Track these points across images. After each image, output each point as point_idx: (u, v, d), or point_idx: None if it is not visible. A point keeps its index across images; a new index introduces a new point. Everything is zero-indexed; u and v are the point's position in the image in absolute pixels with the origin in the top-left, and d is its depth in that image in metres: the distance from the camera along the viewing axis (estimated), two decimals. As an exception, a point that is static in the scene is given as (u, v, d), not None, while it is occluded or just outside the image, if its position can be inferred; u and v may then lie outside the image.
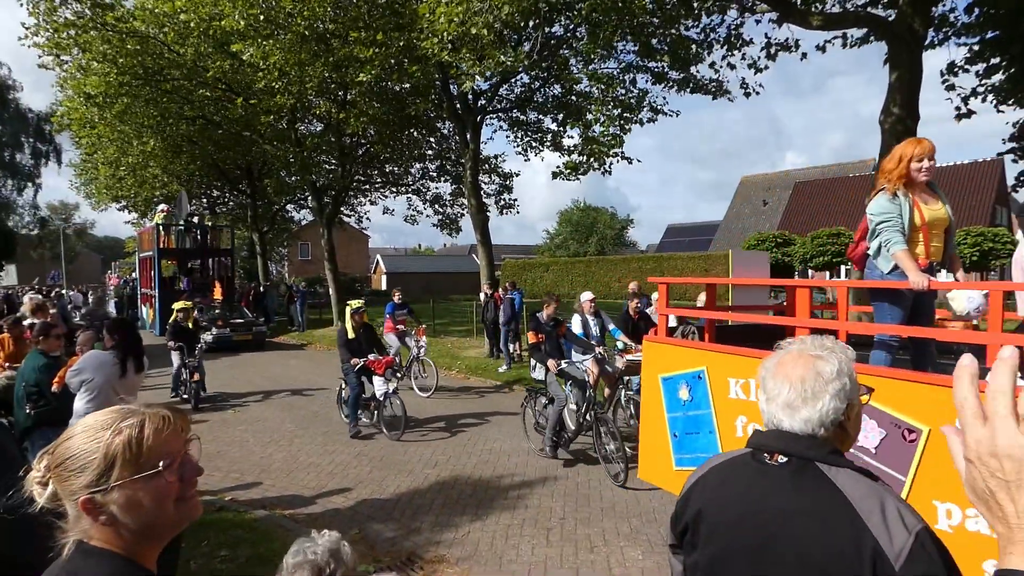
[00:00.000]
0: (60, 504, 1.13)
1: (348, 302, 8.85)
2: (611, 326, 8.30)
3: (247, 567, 4.42)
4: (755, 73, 11.79)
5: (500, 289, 13.93)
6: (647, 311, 10.81)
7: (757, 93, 12.66)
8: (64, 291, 30.53)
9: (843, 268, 30.32)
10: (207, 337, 16.43)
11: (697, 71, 12.67)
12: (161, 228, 21.54)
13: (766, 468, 1.35)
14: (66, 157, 45.52)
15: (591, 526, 5.26)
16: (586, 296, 8.76)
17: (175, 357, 10.49)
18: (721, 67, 12.13)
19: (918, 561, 1.16)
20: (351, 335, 8.31)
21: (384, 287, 52.37)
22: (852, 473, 1.29)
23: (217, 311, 18.90)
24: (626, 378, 7.69)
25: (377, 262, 58.63)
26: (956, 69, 10.91)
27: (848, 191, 34.72)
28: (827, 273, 30.80)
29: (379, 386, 8.10)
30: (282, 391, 11.48)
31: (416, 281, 52.03)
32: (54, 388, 4.97)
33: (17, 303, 15.76)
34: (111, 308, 23.49)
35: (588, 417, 6.68)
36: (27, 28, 15.35)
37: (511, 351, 13.25)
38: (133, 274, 39.62)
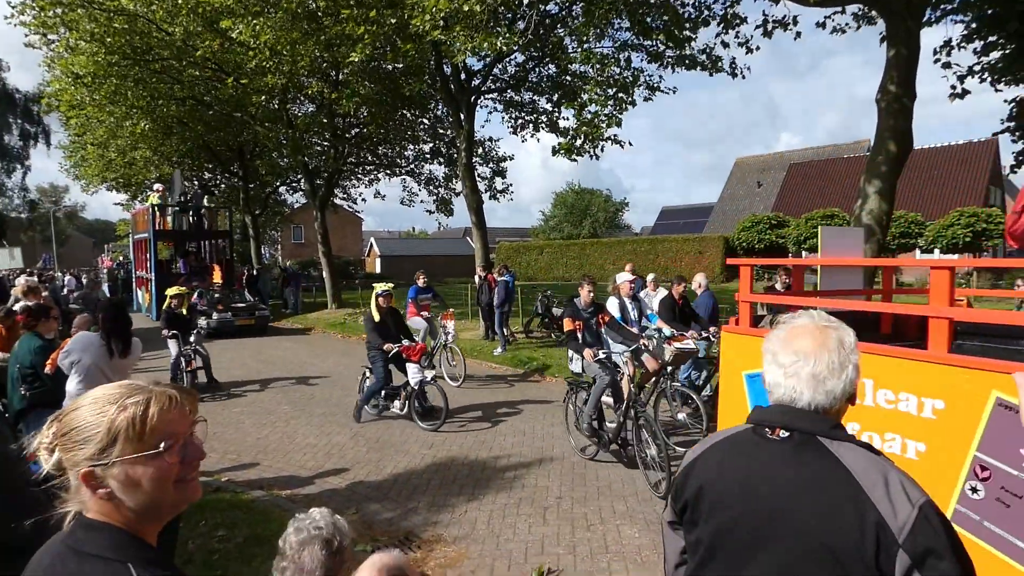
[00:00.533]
0: (63, 473, 1.12)
1: (374, 285, 8.25)
2: (648, 311, 7.71)
3: (245, 547, 4.44)
4: (746, 53, 11.71)
5: (494, 272, 13.88)
6: (640, 295, 10.86)
7: (743, 76, 12.64)
8: (57, 274, 30.30)
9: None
10: (207, 323, 16.09)
11: (692, 48, 12.57)
12: (156, 209, 20.70)
13: (767, 443, 1.35)
14: (55, 139, 45.05)
15: (587, 505, 5.30)
16: (625, 276, 7.99)
17: (172, 346, 9.95)
18: (714, 45, 12.04)
19: (921, 534, 1.16)
20: (378, 319, 7.78)
21: (378, 270, 52.24)
22: (854, 447, 1.29)
23: (217, 295, 18.31)
24: (669, 368, 6.97)
25: (371, 245, 58.42)
26: (952, 47, 10.86)
27: (843, 172, 34.71)
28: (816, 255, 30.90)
29: (414, 374, 7.58)
30: (288, 378, 11.09)
31: (410, 264, 51.75)
32: (47, 370, 4.94)
33: (9, 287, 15.61)
34: (105, 291, 23.14)
35: (629, 416, 5.97)
36: (13, 7, 15.04)
37: (505, 334, 13.27)
38: (123, 257, 39.37)
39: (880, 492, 1.21)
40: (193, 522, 4.77)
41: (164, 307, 10.32)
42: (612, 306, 7.51)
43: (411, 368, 7.59)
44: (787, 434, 1.33)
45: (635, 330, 7.09)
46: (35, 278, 14.01)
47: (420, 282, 11.29)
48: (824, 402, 1.32)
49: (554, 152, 11.72)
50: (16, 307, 7.99)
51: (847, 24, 11.22)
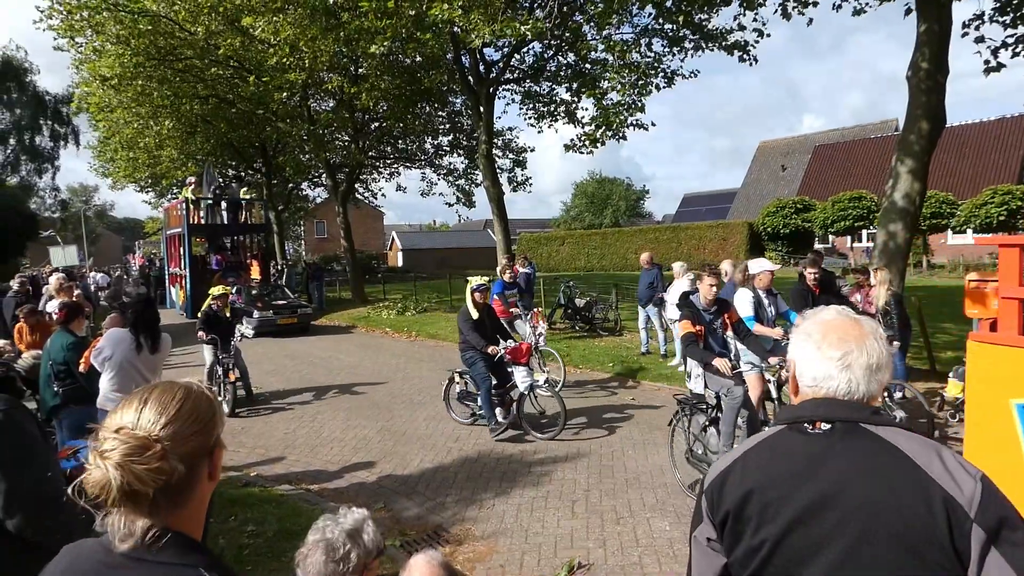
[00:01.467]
0: (121, 478, 1.03)
1: (468, 278, 7.59)
2: (785, 307, 6.47)
3: (275, 542, 4.48)
4: (759, 37, 11.44)
5: (516, 263, 13.82)
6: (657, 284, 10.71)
7: (751, 63, 12.38)
8: (89, 272, 30.92)
9: (864, 233, 29.78)
10: (247, 329, 14.20)
11: (712, 27, 12.33)
12: (190, 203, 19.97)
13: (811, 438, 1.32)
14: (84, 139, 46.05)
15: (616, 498, 5.25)
16: (762, 264, 6.67)
17: (207, 353, 8.96)
18: (732, 28, 11.80)
19: (991, 504, 1.15)
20: (476, 316, 7.11)
21: (400, 264, 52.54)
22: (898, 430, 1.29)
23: (255, 292, 17.34)
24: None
25: (392, 239, 58.76)
26: (983, 21, 10.46)
27: (869, 153, 33.92)
28: (848, 238, 30.28)
29: (522, 378, 6.92)
30: (349, 384, 9.84)
31: (431, 257, 52.13)
32: (81, 369, 5.02)
33: (42, 284, 15.99)
34: (134, 287, 23.38)
35: None
36: (41, 11, 15.33)
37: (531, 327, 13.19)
38: (153, 253, 40.00)
39: (939, 469, 1.19)
40: (223, 517, 4.83)
41: (204, 308, 9.27)
42: (743, 302, 6.19)
43: (519, 371, 6.93)
44: (828, 426, 1.31)
45: (775, 332, 5.90)
46: (66, 276, 14.30)
47: (506, 277, 10.03)
48: (875, 392, 1.33)
49: (567, 149, 11.57)
50: (49, 305, 8.21)
51: (867, 4, 10.84)
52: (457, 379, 7.63)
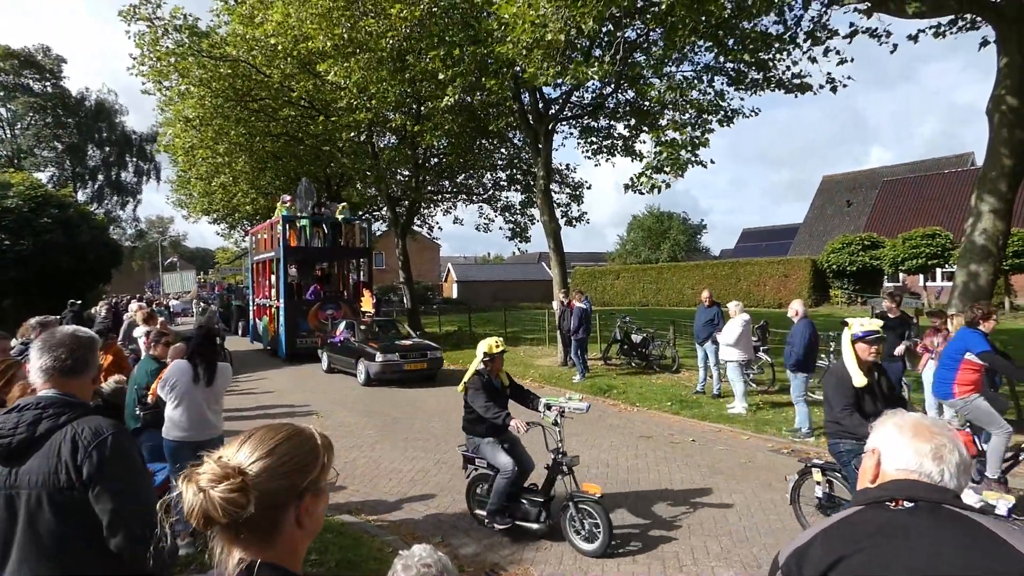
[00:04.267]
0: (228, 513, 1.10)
1: (846, 321, 4.84)
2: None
3: (337, 572, 4.54)
4: (838, 64, 11.21)
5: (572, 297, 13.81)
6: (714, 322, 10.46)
7: (844, 86, 11.99)
8: (168, 300, 32.45)
9: (939, 271, 28.38)
10: (365, 367, 12.89)
11: (776, 67, 12.15)
12: (287, 223, 17.13)
13: (895, 513, 1.37)
14: (164, 174, 49.20)
15: (679, 544, 5.10)
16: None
17: (502, 460, 5.28)
18: (800, 60, 11.59)
19: None
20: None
21: (455, 295, 53.22)
22: (980, 513, 1.33)
23: (375, 330, 14.68)
24: None
25: (448, 270, 59.67)
26: None
27: (943, 188, 32.47)
28: (920, 277, 28.90)
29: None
30: (406, 415, 9.66)
31: (486, 289, 52.60)
32: (149, 399, 5.26)
33: (122, 312, 16.96)
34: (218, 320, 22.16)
35: None
36: (134, 58, 16.64)
37: (584, 360, 13.11)
38: (221, 281, 41.74)
39: None
40: (289, 545, 4.92)
41: (471, 375, 5.40)
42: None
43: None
44: (911, 504, 1.36)
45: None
46: (144, 305, 15.13)
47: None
48: (962, 488, 1.40)
49: (627, 189, 11.52)
50: (135, 332, 8.69)
51: (945, 29, 10.46)
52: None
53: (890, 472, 1.45)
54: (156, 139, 26.96)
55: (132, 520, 1.91)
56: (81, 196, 45.83)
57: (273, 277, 18.05)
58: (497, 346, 5.44)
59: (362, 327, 14.51)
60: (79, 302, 15.64)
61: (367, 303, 15.71)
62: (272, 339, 18.15)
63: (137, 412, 5.38)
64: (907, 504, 1.37)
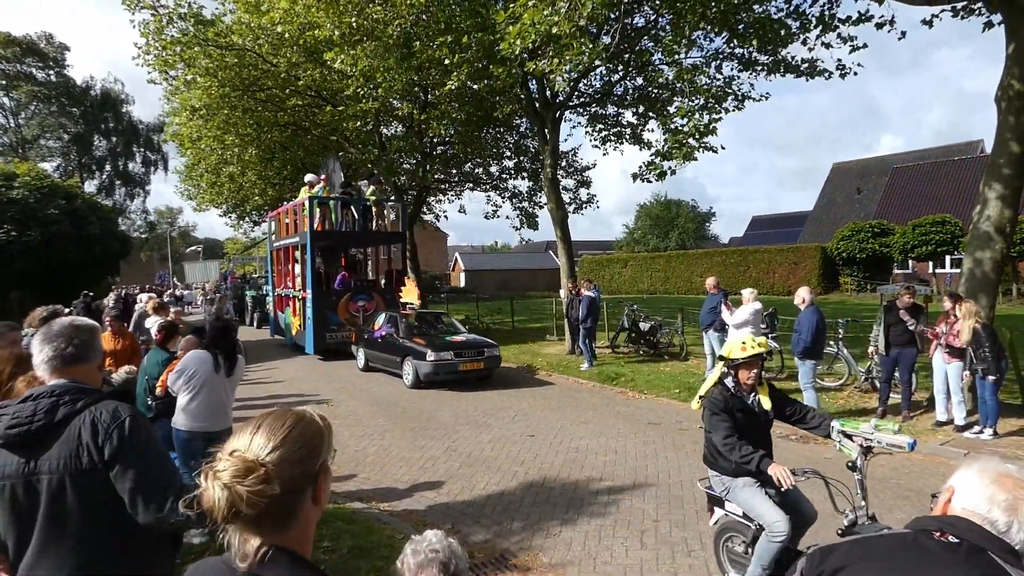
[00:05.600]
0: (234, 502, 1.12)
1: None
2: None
3: (349, 559, 4.59)
4: (851, 52, 11.09)
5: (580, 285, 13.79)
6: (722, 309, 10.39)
7: (855, 73, 11.87)
8: (179, 291, 32.52)
9: (948, 259, 28.18)
10: (414, 367, 11.35)
11: (788, 52, 12.04)
12: (316, 204, 15.38)
13: (936, 542, 1.36)
14: (172, 164, 49.28)
15: (687, 529, 5.13)
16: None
17: None
18: (815, 47, 11.48)
19: None
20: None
21: (462, 284, 53.29)
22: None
23: (421, 324, 13.00)
24: None
25: (455, 260, 59.73)
26: None
27: (953, 176, 32.17)
28: (930, 264, 28.70)
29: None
30: (414, 403, 9.49)
31: (493, 278, 52.65)
32: (159, 391, 5.31)
33: (132, 303, 17.09)
34: (229, 309, 21.75)
35: None
36: (139, 48, 16.60)
37: (592, 349, 13.13)
38: (231, 269, 41.78)
39: None
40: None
41: (710, 388, 4.07)
42: None
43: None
44: (956, 540, 1.34)
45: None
46: (156, 295, 15.21)
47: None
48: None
49: (635, 178, 11.46)
50: (147, 322, 8.76)
51: (960, 12, 10.29)
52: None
53: (956, 510, 1.43)
54: (163, 129, 26.86)
55: (153, 492, 2.00)
56: (89, 187, 45.91)
57: (297, 266, 16.55)
58: (751, 346, 3.67)
59: (405, 320, 12.79)
60: (91, 294, 15.74)
61: (410, 293, 13.87)
62: (297, 333, 16.57)
63: (148, 402, 5.44)
64: (952, 539, 1.35)
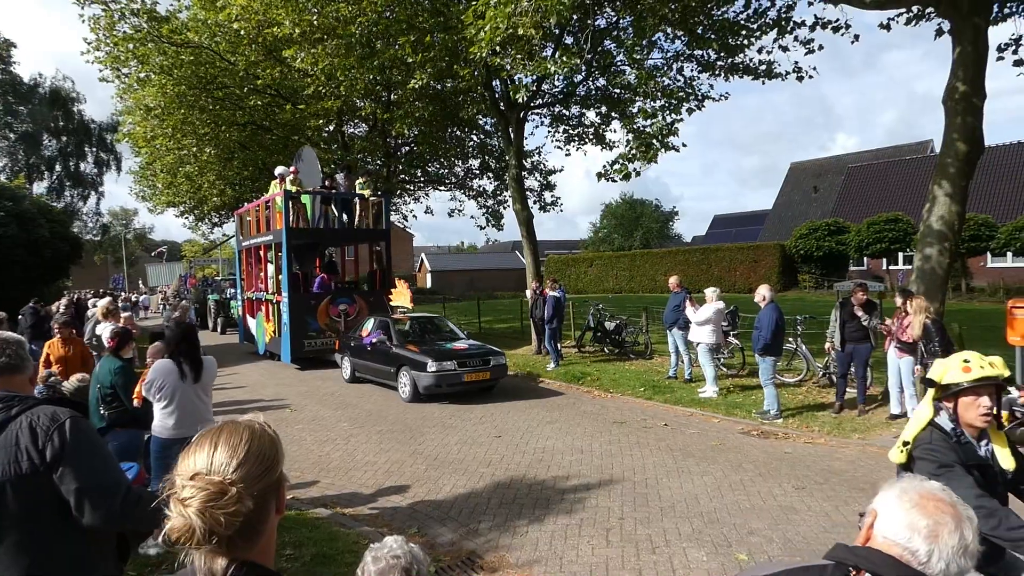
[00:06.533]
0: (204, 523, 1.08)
1: None
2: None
3: (312, 566, 4.51)
4: (806, 54, 11.42)
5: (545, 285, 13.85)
6: (685, 307, 10.56)
7: (811, 76, 12.21)
8: (135, 296, 31.41)
9: (900, 255, 29.16)
10: (413, 378, 10.30)
11: (745, 55, 12.32)
12: (290, 199, 13.93)
13: None
14: (126, 165, 47.71)
15: (651, 526, 5.19)
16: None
17: None
18: (772, 50, 11.78)
19: None
20: None
21: (429, 285, 52.97)
22: None
23: (415, 330, 11.92)
24: None
25: (422, 260, 59.35)
26: (1022, 44, 10.28)
27: (905, 175, 33.36)
28: (883, 261, 29.65)
29: None
30: (380, 407, 9.47)
31: (460, 279, 52.47)
32: (136, 404, 5.15)
33: (84, 307, 16.51)
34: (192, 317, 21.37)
35: None
36: (88, 43, 16.05)
37: (558, 348, 13.19)
38: (190, 272, 40.64)
39: None
40: (263, 540, 4.87)
41: (922, 430, 2.72)
42: None
43: None
44: None
45: None
46: (111, 299, 14.67)
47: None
48: (956, 573, 1.26)
49: (599, 177, 11.59)
50: (99, 328, 8.47)
51: (911, 19, 10.70)
52: None
53: (878, 540, 1.35)
54: (116, 128, 25.98)
55: (98, 496, 1.99)
56: (38, 188, 44.18)
57: (271, 267, 15.15)
58: (978, 366, 2.50)
59: (399, 326, 11.67)
60: (41, 301, 15.11)
61: (401, 295, 12.37)
62: (272, 341, 15.22)
63: (101, 411, 5.26)
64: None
